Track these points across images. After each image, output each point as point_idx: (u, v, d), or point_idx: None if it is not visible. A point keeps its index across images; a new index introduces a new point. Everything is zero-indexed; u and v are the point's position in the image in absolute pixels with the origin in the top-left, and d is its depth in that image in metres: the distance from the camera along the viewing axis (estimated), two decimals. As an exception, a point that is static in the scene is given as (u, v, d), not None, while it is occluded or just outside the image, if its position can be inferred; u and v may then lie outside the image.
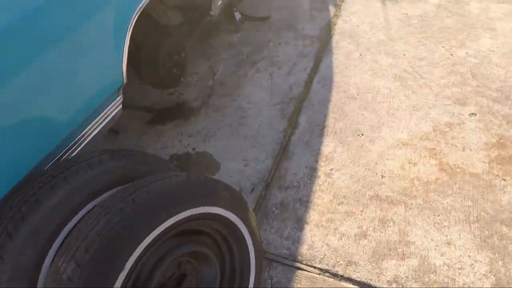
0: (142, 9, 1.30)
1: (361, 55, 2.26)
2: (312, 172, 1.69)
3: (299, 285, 1.35)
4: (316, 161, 1.73)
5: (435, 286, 1.33)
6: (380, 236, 1.47)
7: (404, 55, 2.23)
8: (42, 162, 1.06)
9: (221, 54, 2.34)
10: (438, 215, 1.53)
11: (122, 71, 1.24)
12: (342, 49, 2.30)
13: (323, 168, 1.70)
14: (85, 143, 1.18)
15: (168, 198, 0.96)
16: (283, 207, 1.58)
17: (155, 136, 1.90)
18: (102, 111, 1.21)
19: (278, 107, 1.99)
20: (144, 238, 0.84)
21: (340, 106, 1.97)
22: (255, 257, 1.15)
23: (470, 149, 1.74)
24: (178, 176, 1.05)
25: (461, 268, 1.37)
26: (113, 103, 1.24)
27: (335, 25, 2.49)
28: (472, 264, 1.38)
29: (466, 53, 2.22)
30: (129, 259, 0.84)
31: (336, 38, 2.38)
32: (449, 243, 1.44)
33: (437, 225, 1.50)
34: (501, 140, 1.76)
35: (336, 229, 1.50)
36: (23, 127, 1.01)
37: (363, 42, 2.34)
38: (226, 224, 1.05)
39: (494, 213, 1.51)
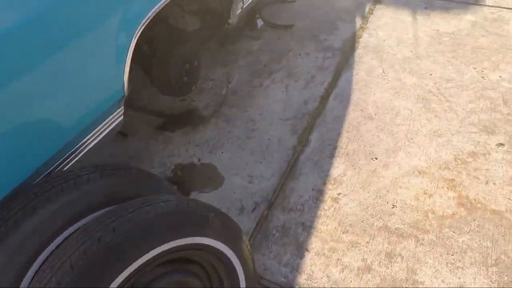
0: (146, 24, 1.23)
1: (383, 72, 2.11)
2: (318, 195, 1.58)
3: (292, 317, 1.26)
4: (324, 184, 1.62)
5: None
6: (385, 272, 1.35)
7: (431, 75, 2.07)
8: (33, 174, 1.02)
9: (238, 61, 2.26)
10: (452, 254, 1.38)
11: (123, 84, 1.18)
12: (364, 64, 2.16)
13: (330, 191, 1.59)
14: (80, 155, 1.14)
15: (152, 228, 0.88)
16: (284, 230, 1.49)
17: (162, 143, 1.85)
18: (100, 123, 1.16)
19: (290, 122, 1.89)
20: (122, 272, 0.78)
21: (356, 125, 1.84)
22: (246, 289, 1.07)
23: (494, 183, 1.57)
24: (166, 202, 0.97)
25: (472, 319, 1.23)
26: (112, 116, 1.19)
27: (360, 38, 2.35)
28: (485, 315, 1.24)
29: (500, 76, 2.02)
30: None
31: (359, 52, 2.25)
32: (461, 287, 1.30)
33: (450, 265, 1.36)
34: (531, 177, 1.59)
35: (338, 259, 1.39)
36: (16, 137, 0.98)
37: (387, 58, 2.19)
38: (215, 255, 0.98)
39: (515, 259, 1.36)
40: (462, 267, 1.35)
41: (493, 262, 1.35)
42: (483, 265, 1.35)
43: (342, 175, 1.64)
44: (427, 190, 1.57)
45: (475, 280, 1.32)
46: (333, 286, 1.32)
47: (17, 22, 0.89)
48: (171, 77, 1.64)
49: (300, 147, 1.77)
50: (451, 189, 1.56)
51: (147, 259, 0.82)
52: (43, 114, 1.03)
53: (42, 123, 1.03)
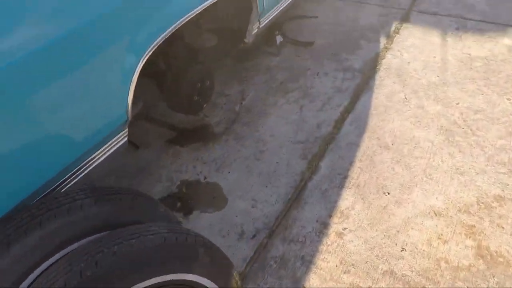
0: (152, 51, 1.18)
1: (405, 97, 1.93)
2: (322, 228, 1.46)
3: None
4: (330, 216, 1.49)
5: None
6: (387, 322, 1.21)
7: (457, 104, 1.87)
8: (31, 196, 1.00)
9: (255, 77, 2.17)
10: (465, 311, 1.22)
11: (127, 109, 1.13)
12: (385, 88, 2.00)
13: (335, 225, 1.46)
14: (80, 176, 1.10)
15: (136, 263, 0.85)
16: (282, 262, 1.38)
17: (172, 157, 1.80)
18: (101, 147, 1.12)
19: (301, 146, 1.77)
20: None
21: (370, 155, 1.69)
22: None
23: (522, 233, 1.38)
24: (155, 235, 0.92)
25: None
26: (114, 139, 1.15)
27: (383, 59, 2.18)
28: None
29: (537, 111, 1.79)
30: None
31: (380, 74, 2.08)
32: None
33: (461, 322, 1.19)
34: None
35: (336, 303, 1.27)
36: (18, 157, 0.96)
37: (410, 83, 2.01)
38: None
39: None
40: (476, 327, 1.18)
41: (512, 324, 1.17)
42: (500, 327, 1.17)
43: (350, 209, 1.51)
44: (442, 234, 1.40)
45: None
46: (328, 332, 1.20)
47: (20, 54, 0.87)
48: (181, 95, 1.58)
49: (308, 174, 1.65)
50: (470, 237, 1.38)
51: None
52: (45, 136, 1.00)
53: (44, 145, 1.01)
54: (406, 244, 1.38)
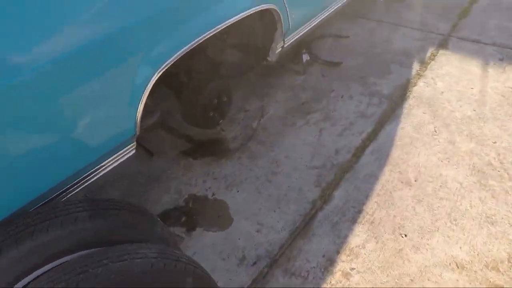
0: (169, 65, 1.14)
1: (435, 130, 1.75)
2: (328, 264, 1.33)
3: None
4: (338, 252, 1.35)
5: None
6: None
7: (494, 142, 1.66)
8: (30, 204, 0.97)
9: (277, 95, 2.08)
10: None
11: (136, 123, 1.09)
12: (414, 117, 1.83)
13: (343, 263, 1.32)
14: (83, 186, 1.07)
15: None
16: (281, 297, 1.27)
17: (183, 169, 1.75)
18: (107, 159, 1.08)
19: (316, 172, 1.65)
20: None
21: (390, 189, 1.53)
22: None
23: (560, 302, 1.16)
24: (143, 259, 0.87)
25: None
26: (121, 151, 1.11)
27: (414, 86, 2.01)
28: None
29: None
30: None
31: (410, 103, 1.91)
32: None
33: None
34: None
35: None
36: (22, 165, 0.94)
37: (442, 115, 1.82)
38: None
39: None
40: None
41: None
42: None
43: (360, 247, 1.36)
44: (463, 291, 1.22)
45: None
46: None
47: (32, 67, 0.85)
48: (197, 109, 1.52)
49: (320, 203, 1.52)
50: (497, 298, 1.19)
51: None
52: (51, 144, 0.98)
53: (49, 153, 0.99)
54: (420, 296, 1.22)
